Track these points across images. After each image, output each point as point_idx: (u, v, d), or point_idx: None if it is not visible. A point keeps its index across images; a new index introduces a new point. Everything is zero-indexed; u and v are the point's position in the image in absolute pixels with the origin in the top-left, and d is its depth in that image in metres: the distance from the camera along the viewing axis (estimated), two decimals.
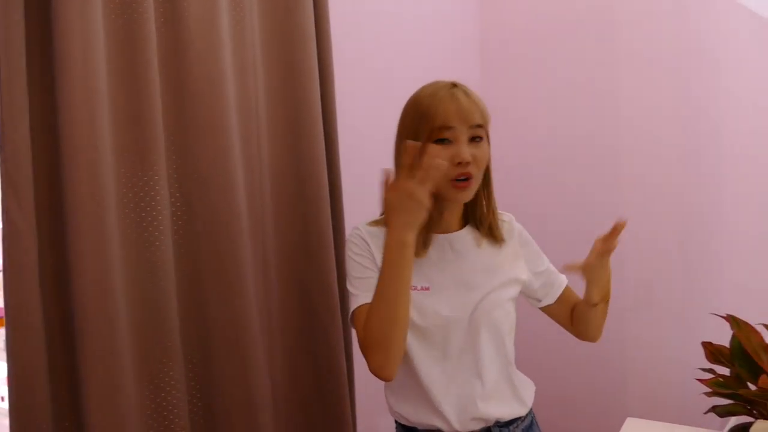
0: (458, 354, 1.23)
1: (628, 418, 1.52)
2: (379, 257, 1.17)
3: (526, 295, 1.36)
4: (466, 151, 1.15)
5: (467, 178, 1.16)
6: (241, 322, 1.29)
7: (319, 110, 1.47)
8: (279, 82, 1.43)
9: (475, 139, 1.17)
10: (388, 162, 1.23)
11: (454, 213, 1.26)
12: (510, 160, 2.31)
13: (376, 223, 1.25)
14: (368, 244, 1.21)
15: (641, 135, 2.13)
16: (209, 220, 1.27)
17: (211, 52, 1.25)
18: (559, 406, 2.34)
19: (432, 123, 1.14)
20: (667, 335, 2.13)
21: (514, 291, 1.29)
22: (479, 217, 1.27)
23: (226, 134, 1.28)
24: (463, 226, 1.28)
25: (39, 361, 1.04)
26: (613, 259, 2.08)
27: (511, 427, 1.28)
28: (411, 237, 1.06)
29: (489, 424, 1.25)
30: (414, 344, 1.21)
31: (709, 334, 1.62)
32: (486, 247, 1.28)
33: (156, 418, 1.20)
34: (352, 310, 1.19)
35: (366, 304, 1.15)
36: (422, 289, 1.21)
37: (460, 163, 1.15)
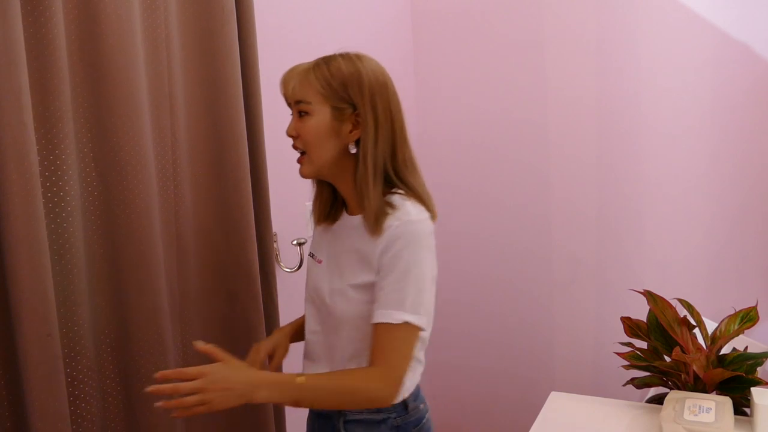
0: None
1: (552, 392, 1.55)
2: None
3: None
4: (290, 125, 1.15)
5: (301, 153, 1.15)
6: (151, 306, 1.24)
7: (240, 88, 1.40)
8: (195, 57, 1.36)
9: (300, 114, 1.13)
10: None
11: (347, 196, 1.19)
12: (439, 136, 2.31)
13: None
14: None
15: (566, 112, 2.15)
16: (123, 201, 1.21)
17: (124, 28, 1.18)
18: (485, 381, 2.38)
19: None
20: (590, 311, 2.19)
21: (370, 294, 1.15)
22: (363, 205, 1.13)
23: (137, 111, 1.21)
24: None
25: None
26: (542, 238, 2.10)
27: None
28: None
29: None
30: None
31: (630, 310, 1.67)
32: (365, 237, 1.13)
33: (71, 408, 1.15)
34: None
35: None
36: (317, 261, 1.22)
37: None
